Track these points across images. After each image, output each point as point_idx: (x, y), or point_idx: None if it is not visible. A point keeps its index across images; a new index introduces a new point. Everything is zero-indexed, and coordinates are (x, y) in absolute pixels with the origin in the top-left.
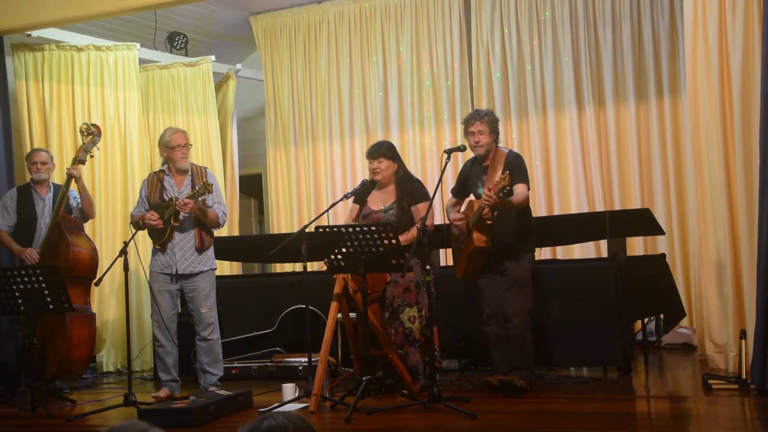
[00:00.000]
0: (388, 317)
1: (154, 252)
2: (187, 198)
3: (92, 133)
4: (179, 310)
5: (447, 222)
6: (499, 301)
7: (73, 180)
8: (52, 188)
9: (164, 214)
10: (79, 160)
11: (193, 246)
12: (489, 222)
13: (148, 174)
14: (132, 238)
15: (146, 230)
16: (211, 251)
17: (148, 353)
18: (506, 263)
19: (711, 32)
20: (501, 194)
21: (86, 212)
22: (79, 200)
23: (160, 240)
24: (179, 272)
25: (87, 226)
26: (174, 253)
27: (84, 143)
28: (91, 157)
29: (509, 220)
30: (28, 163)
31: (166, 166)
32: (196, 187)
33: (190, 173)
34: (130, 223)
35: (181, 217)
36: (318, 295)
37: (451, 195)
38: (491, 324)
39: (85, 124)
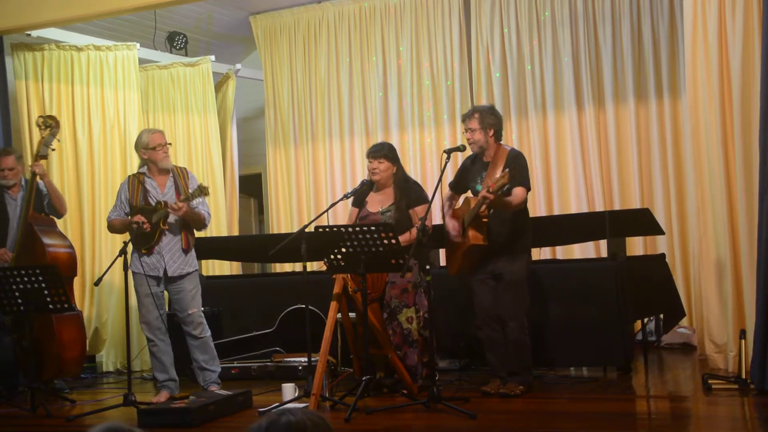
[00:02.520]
0: (386, 318)
1: (138, 254)
2: (182, 201)
3: (50, 125)
4: (167, 310)
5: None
6: (491, 304)
7: (38, 176)
8: (24, 187)
9: (152, 218)
10: (40, 156)
11: (180, 247)
12: (485, 220)
13: (126, 177)
14: (131, 238)
15: (128, 233)
16: (194, 252)
17: (147, 353)
18: (500, 265)
19: (711, 32)
20: (500, 192)
21: (56, 208)
22: (49, 197)
23: (147, 244)
24: (169, 275)
25: (86, 226)
26: (162, 255)
27: (43, 137)
28: (53, 150)
29: (503, 220)
30: None
31: (145, 168)
32: (191, 191)
33: (171, 174)
34: (108, 227)
35: (171, 220)
36: (318, 295)
37: (448, 188)
38: (483, 328)
39: (41, 117)
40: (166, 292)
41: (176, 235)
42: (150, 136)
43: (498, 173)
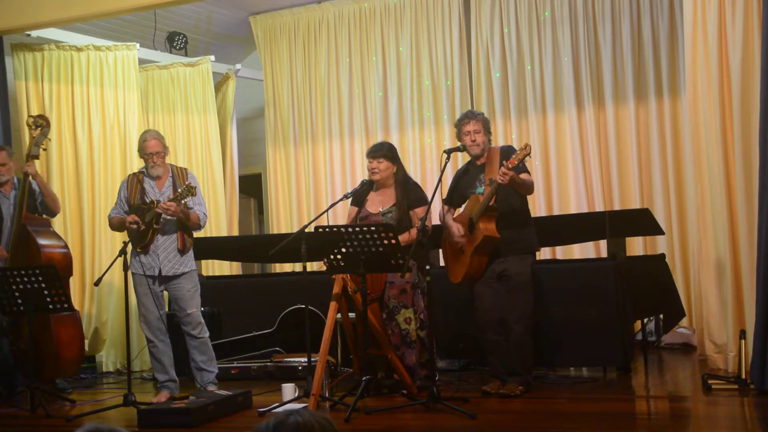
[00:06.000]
0: (385, 318)
1: (135, 254)
2: (170, 201)
3: (40, 125)
4: (167, 310)
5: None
6: (495, 307)
7: (30, 176)
8: (17, 185)
9: (145, 217)
10: (31, 156)
11: (176, 248)
12: (495, 213)
13: (127, 175)
14: (130, 238)
15: (125, 232)
16: (191, 253)
17: (147, 353)
18: (507, 266)
19: (711, 32)
20: (520, 164)
21: (50, 208)
22: (42, 197)
23: (142, 243)
24: (163, 274)
25: (86, 226)
26: (157, 255)
27: (34, 137)
28: (44, 149)
29: (507, 220)
30: None
31: (145, 167)
32: (179, 190)
33: (171, 174)
34: (110, 225)
35: (162, 219)
36: (317, 296)
37: (443, 204)
38: (486, 332)
39: (30, 117)
40: (165, 292)
41: (172, 234)
42: (144, 143)
43: (496, 168)
